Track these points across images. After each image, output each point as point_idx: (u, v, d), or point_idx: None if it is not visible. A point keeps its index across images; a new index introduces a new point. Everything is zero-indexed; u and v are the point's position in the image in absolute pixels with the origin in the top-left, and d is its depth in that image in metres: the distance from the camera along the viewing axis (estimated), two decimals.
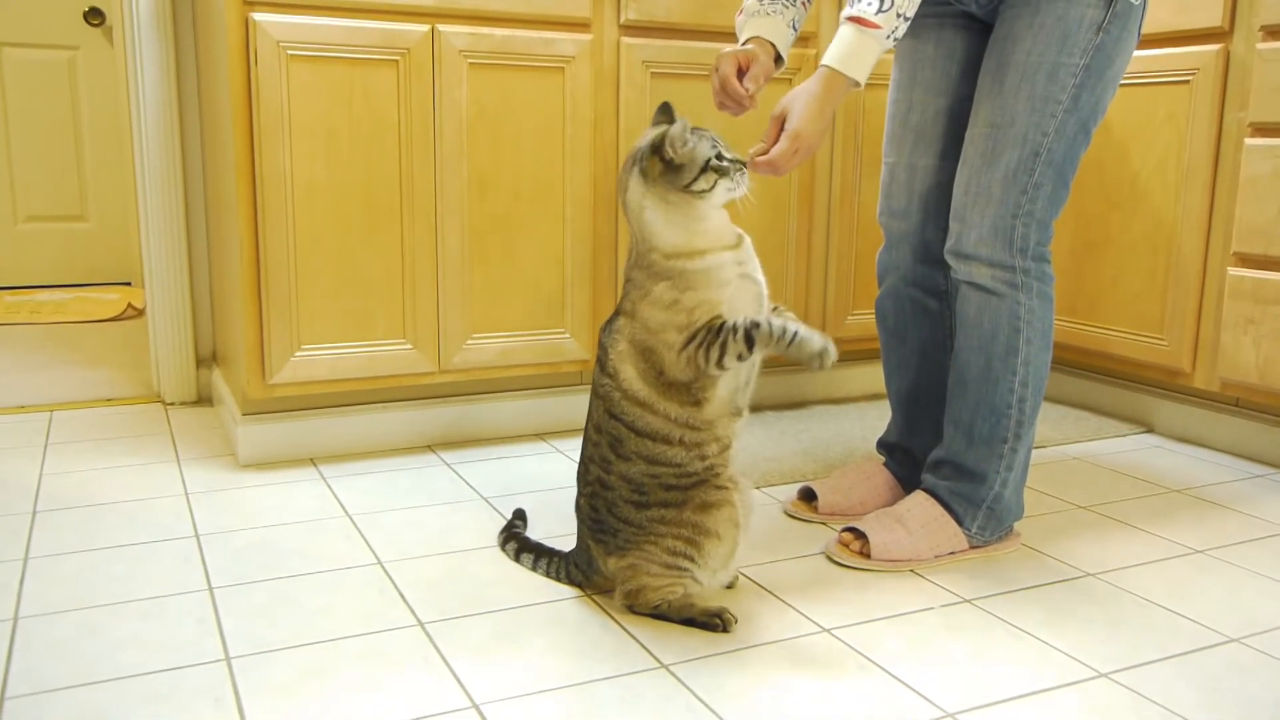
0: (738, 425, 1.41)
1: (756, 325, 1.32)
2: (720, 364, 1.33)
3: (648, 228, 1.37)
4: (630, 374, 1.37)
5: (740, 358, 1.33)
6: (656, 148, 1.36)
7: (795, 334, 1.32)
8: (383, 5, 1.92)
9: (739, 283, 1.37)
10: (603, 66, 2.13)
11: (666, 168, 1.35)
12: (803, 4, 1.65)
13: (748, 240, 1.42)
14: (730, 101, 1.58)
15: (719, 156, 1.36)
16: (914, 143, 1.72)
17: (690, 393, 1.36)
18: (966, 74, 1.67)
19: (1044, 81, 1.51)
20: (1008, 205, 1.54)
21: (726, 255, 1.37)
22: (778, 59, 1.63)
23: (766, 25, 1.61)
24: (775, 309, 1.43)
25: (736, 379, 1.38)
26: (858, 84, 1.47)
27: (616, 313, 1.42)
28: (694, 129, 1.38)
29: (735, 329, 1.32)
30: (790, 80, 2.26)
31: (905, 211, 1.74)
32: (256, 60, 1.85)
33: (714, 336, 1.32)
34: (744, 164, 1.40)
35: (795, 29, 1.65)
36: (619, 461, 1.39)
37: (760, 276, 1.41)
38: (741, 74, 1.57)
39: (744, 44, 1.61)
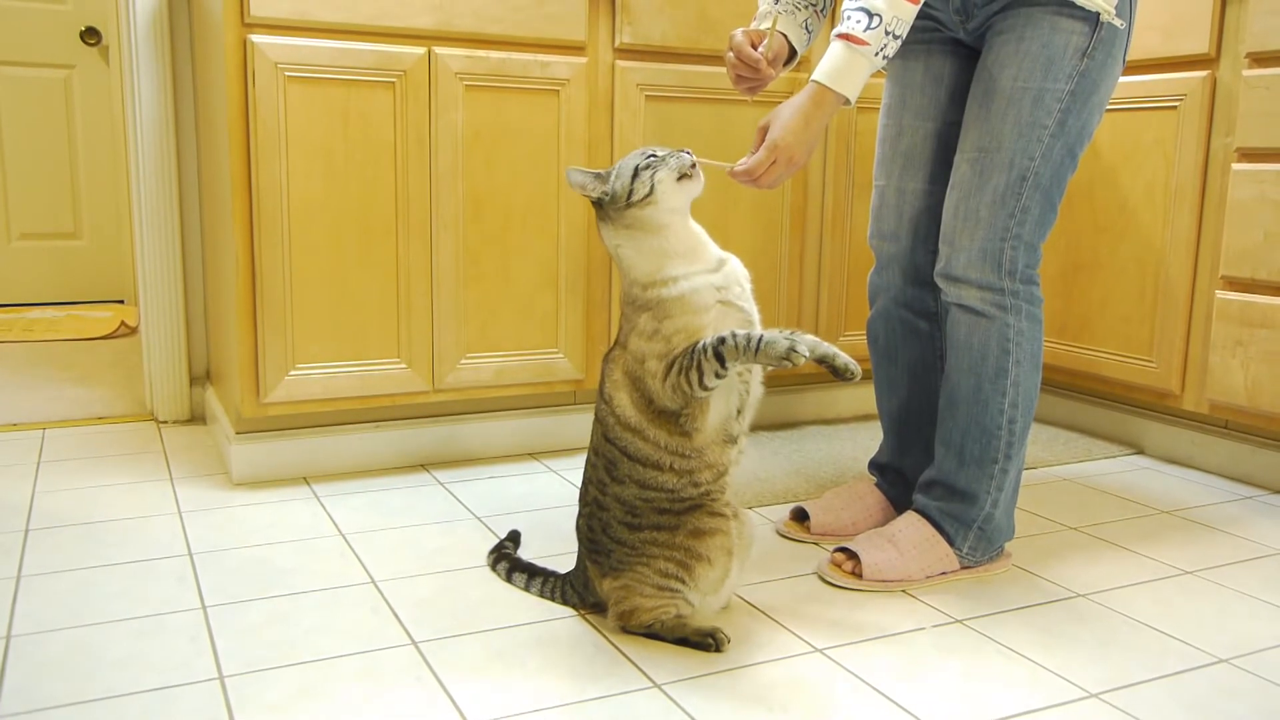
0: (733, 452, 1.41)
1: (722, 341, 1.31)
2: (703, 385, 1.32)
3: (625, 263, 1.40)
4: (624, 401, 1.38)
5: (718, 375, 1.32)
6: (592, 201, 1.42)
7: (760, 339, 1.30)
8: (380, 28, 1.94)
9: (721, 309, 1.36)
10: (597, 89, 2.15)
11: (607, 202, 1.39)
12: (816, 12, 1.67)
13: (733, 264, 1.41)
14: (746, 69, 1.60)
15: (649, 158, 1.39)
16: (903, 166, 1.73)
17: (679, 423, 1.36)
18: (955, 99, 1.69)
19: (1030, 107, 1.53)
20: (996, 229, 1.56)
21: (701, 279, 1.36)
22: (792, 54, 1.65)
23: (780, 20, 1.64)
24: (792, 332, 1.43)
25: (728, 407, 1.38)
26: (847, 101, 1.48)
27: (615, 343, 1.43)
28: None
29: (705, 348, 1.31)
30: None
31: (895, 234, 1.75)
32: (254, 81, 1.86)
33: (690, 360, 1.32)
34: (685, 151, 1.41)
35: (809, 30, 1.67)
36: (613, 484, 1.40)
37: (747, 305, 1.39)
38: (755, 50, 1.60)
39: None
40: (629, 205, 1.37)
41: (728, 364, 1.31)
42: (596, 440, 1.43)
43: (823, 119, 1.48)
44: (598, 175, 1.40)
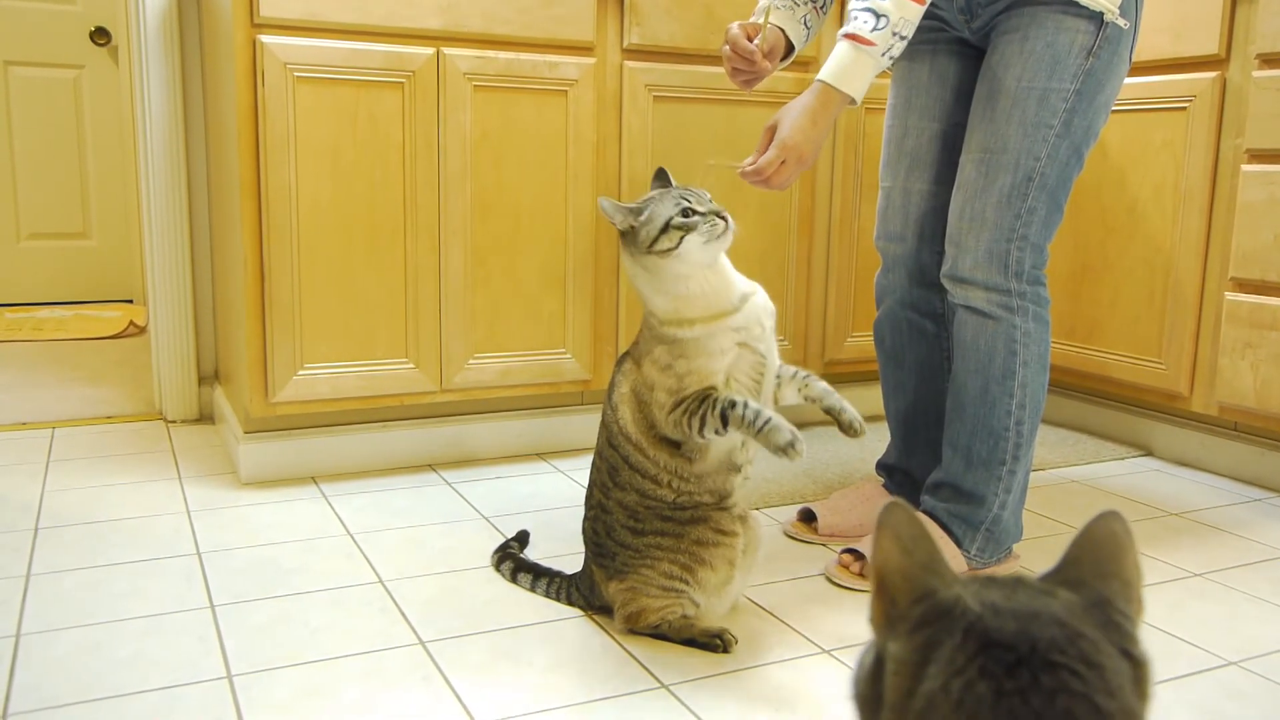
0: (738, 479, 1.40)
1: (733, 405, 1.30)
2: (701, 434, 1.32)
3: (642, 293, 1.39)
4: (628, 416, 1.38)
5: (717, 432, 1.32)
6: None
7: (767, 421, 1.29)
8: (389, 29, 1.95)
9: (738, 352, 1.35)
10: (606, 90, 2.15)
11: (631, 234, 1.36)
12: (816, 9, 1.67)
13: (756, 300, 1.37)
14: (741, 62, 1.59)
15: (685, 213, 1.33)
16: (909, 167, 1.73)
17: (680, 450, 1.37)
18: (960, 99, 1.68)
19: (1035, 107, 1.53)
20: (1002, 229, 1.55)
21: (718, 324, 1.34)
22: (789, 49, 1.65)
23: (778, 15, 1.64)
24: (806, 376, 1.42)
25: (732, 440, 1.37)
26: (853, 100, 1.48)
27: (629, 353, 1.43)
28: (666, 191, 1.37)
29: (714, 404, 1.31)
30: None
31: (901, 235, 1.75)
32: (264, 82, 1.87)
33: (696, 406, 1.32)
34: (722, 216, 1.35)
35: (808, 27, 1.66)
36: (616, 489, 1.40)
37: (764, 346, 1.37)
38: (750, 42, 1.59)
39: None
40: (650, 251, 1.34)
41: (729, 428, 1.31)
42: (601, 444, 1.43)
43: (829, 118, 1.49)
44: (628, 210, 1.36)
